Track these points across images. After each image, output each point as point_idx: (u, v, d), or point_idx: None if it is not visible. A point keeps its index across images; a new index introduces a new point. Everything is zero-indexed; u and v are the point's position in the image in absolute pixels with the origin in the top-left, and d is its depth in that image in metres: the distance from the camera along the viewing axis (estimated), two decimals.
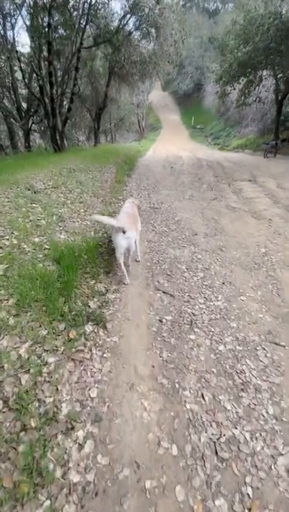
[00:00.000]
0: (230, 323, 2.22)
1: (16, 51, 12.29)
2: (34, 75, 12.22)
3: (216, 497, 1.19)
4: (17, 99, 14.48)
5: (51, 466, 1.21)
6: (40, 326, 1.77)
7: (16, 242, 2.60)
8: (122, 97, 21.81)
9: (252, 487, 1.23)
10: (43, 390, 1.48)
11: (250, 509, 1.16)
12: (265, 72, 13.06)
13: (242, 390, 1.68)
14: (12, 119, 15.36)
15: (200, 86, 34.72)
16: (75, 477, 1.20)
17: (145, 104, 30.26)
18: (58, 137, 10.96)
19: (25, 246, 2.47)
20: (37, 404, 1.41)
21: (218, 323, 2.21)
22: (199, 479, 1.25)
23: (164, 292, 2.54)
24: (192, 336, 2.05)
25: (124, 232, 2.40)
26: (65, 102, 13.55)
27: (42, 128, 19.61)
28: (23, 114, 17.24)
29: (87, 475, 1.22)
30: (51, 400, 1.44)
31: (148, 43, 12.46)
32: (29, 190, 3.95)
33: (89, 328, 1.93)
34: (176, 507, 1.16)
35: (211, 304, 2.43)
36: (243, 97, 14.13)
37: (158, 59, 11.34)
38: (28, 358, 1.57)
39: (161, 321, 2.18)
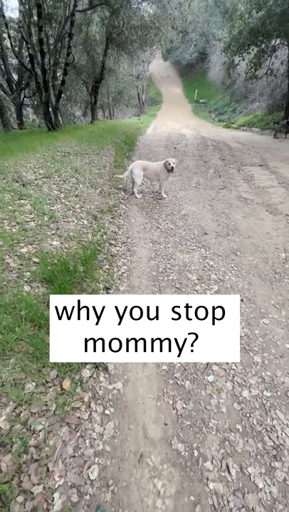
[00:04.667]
0: (254, 356, 1.88)
1: (3, 16, 11.05)
2: (24, 42, 11.05)
3: None
4: (7, 70, 13.30)
5: None
6: (26, 378, 1.42)
7: None
8: (121, 68, 20.17)
9: None
10: (29, 475, 1.15)
11: None
12: (278, 42, 11.86)
13: (274, 457, 1.37)
14: (2, 92, 14.23)
15: (204, 56, 32.28)
16: None
17: (145, 76, 28.28)
18: (51, 114, 10.08)
19: (9, 261, 2.07)
20: (22, 499, 1.09)
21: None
22: None
23: None
24: (210, 378, 1.71)
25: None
26: (59, 74, 12.43)
27: (35, 102, 18.33)
28: (14, 87, 15.98)
29: None
30: (40, 489, 1.12)
31: (149, 5, 11.15)
32: (17, 182, 3.46)
33: (86, 372, 1.58)
34: None
35: None
36: (253, 69, 12.98)
37: (160, 24, 10.17)
38: (11, 429, 1.23)
39: None
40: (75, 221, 3.09)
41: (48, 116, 10.17)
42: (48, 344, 1.53)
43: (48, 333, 1.64)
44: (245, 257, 3.01)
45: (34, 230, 2.57)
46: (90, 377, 1.57)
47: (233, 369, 1.78)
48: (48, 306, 1.79)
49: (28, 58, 10.03)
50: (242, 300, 2.37)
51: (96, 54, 14.50)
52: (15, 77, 16.36)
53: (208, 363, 1.81)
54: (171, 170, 4.47)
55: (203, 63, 32.86)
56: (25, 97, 17.61)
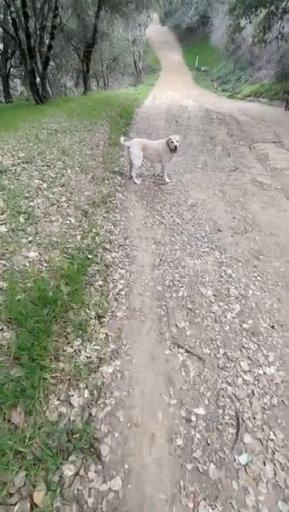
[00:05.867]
0: None
1: None
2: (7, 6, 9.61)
3: None
4: None
5: None
6: None
7: None
8: (116, 32, 18.26)
9: None
10: None
11: None
12: None
13: None
14: None
15: (206, 19, 29.36)
16: None
17: (142, 41, 25.93)
18: (38, 85, 9.02)
19: None
20: None
21: (277, 417, 1.39)
22: None
23: (187, 352, 1.67)
24: (242, 458, 1.23)
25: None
26: (47, 40, 11.08)
27: (23, 73, 16.77)
28: (0, 57, 14.52)
29: None
30: None
31: None
32: None
33: (70, 468, 1.09)
34: None
35: (260, 373, 1.58)
36: (261, 33, 11.55)
37: None
38: None
39: (189, 420, 1.35)
40: (60, 220, 2.49)
41: (34, 87, 9.13)
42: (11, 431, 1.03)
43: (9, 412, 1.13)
44: (270, 263, 2.46)
45: (4, 238, 1.99)
46: (75, 474, 1.08)
47: (272, 440, 1.30)
48: (16, 361, 1.26)
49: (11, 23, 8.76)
50: (272, 326, 1.86)
51: (87, 17, 12.87)
52: (0, 46, 14.83)
53: (237, 421, 1.33)
54: (174, 149, 3.79)
55: (204, 27, 29.99)
56: (11, 66, 16.07)
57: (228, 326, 1.85)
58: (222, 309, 1.98)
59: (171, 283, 2.20)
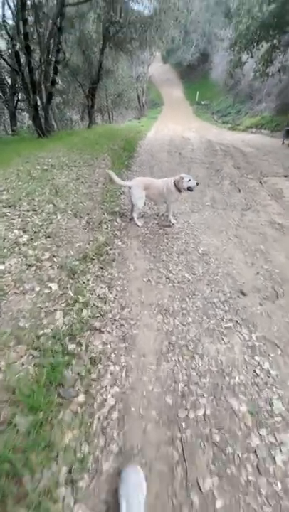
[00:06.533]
0: None
1: None
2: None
3: None
4: None
5: None
6: None
7: None
8: (120, 69, 19.14)
9: None
10: None
11: None
12: None
13: None
14: None
15: (206, 56, 31.28)
16: None
17: (146, 78, 27.32)
18: (41, 118, 8.98)
19: None
20: None
21: None
22: None
23: None
24: None
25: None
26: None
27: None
28: (7, 90, 15.01)
29: None
30: None
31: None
32: None
33: None
34: None
35: None
36: (263, 66, 11.80)
37: (162, 16, 9.04)
38: None
39: None
40: (37, 289, 1.89)
41: (37, 120, 9.10)
42: None
43: None
44: None
45: None
46: None
47: None
48: None
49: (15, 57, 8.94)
50: None
51: (92, 54, 13.41)
52: (8, 80, 15.41)
53: None
54: (188, 189, 3.32)
55: (204, 64, 31.84)
56: (18, 100, 16.63)
57: (280, 485, 1.16)
58: (267, 446, 1.29)
59: (185, 388, 1.53)
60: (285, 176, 5.89)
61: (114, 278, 2.44)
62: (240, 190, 5.11)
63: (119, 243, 3.09)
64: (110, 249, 2.90)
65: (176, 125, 19.70)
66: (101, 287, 2.26)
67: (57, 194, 3.46)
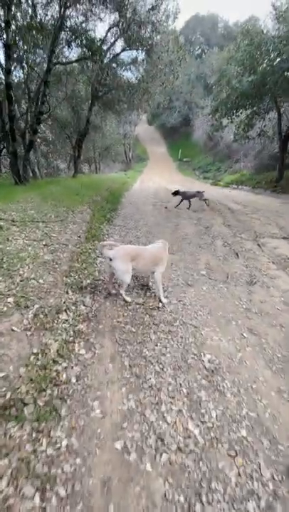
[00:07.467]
0: None
1: None
2: None
3: None
4: None
5: None
6: None
7: None
8: (108, 126, 20.19)
9: None
10: None
11: None
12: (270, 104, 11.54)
13: None
14: None
15: (188, 120, 34.66)
16: None
17: (132, 135, 29.26)
18: (19, 166, 8.44)
19: None
20: None
21: None
22: None
23: None
24: None
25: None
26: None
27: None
28: None
29: None
30: None
31: (138, 65, 10.68)
32: None
33: None
34: None
35: None
36: (243, 131, 12.51)
37: (149, 80, 9.44)
38: None
39: None
40: None
41: (15, 167, 8.52)
42: None
43: None
44: None
45: None
46: None
47: None
48: None
49: None
50: None
51: (81, 110, 13.90)
52: None
53: None
54: None
55: (186, 127, 35.07)
56: (3, 147, 16.56)
57: None
58: None
59: None
60: (284, 238, 5.31)
61: (61, 452, 1.31)
62: (238, 255, 4.35)
63: (82, 348, 2.02)
64: (66, 363, 1.81)
65: (160, 178, 20.30)
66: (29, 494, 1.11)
67: (2, 267, 2.44)
